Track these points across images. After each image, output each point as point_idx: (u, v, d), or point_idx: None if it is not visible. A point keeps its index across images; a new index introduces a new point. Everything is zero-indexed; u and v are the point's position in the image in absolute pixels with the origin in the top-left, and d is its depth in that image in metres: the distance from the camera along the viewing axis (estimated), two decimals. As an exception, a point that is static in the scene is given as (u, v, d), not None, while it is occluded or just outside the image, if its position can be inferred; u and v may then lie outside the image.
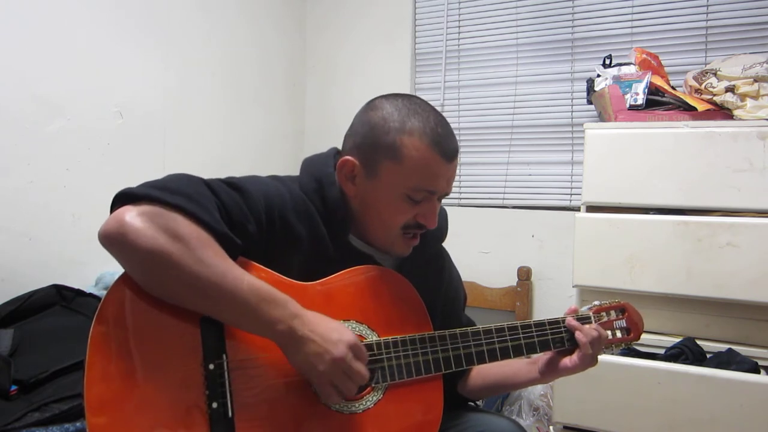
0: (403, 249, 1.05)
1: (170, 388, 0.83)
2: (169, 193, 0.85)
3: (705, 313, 1.76)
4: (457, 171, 2.77)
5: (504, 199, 2.54)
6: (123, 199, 0.85)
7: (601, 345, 1.06)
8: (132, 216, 0.82)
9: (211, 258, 0.83)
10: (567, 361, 1.05)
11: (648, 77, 1.90)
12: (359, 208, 1.03)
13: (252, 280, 0.85)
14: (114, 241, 0.82)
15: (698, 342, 1.71)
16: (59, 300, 1.62)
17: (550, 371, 1.08)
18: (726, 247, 1.66)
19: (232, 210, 0.91)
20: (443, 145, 0.97)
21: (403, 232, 1.02)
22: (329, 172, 1.03)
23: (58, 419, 1.27)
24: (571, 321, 1.07)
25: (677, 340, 1.74)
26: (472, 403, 1.22)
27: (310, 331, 0.86)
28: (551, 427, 1.87)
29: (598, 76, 2.06)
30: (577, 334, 1.04)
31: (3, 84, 1.66)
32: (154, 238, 0.81)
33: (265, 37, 2.65)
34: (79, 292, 1.66)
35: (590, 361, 1.05)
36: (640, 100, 1.87)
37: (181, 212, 0.84)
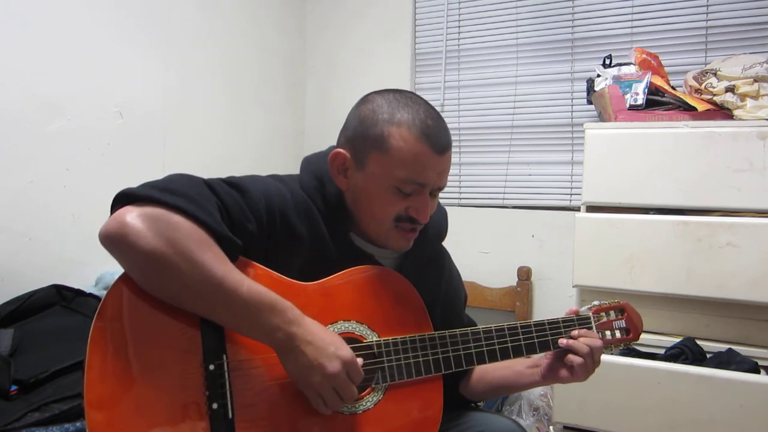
0: (400, 242, 1.03)
1: (170, 389, 0.83)
2: (170, 194, 0.85)
3: (705, 313, 1.76)
4: (458, 171, 2.76)
5: (504, 199, 2.54)
6: (123, 199, 0.85)
7: (598, 354, 1.05)
8: (133, 217, 0.82)
9: (211, 261, 0.83)
10: (565, 372, 1.05)
11: (648, 77, 1.90)
12: (352, 201, 1.02)
13: (251, 285, 0.85)
14: (114, 241, 0.82)
15: (698, 342, 1.71)
16: (59, 300, 1.61)
17: (551, 377, 1.08)
18: (726, 247, 1.66)
19: (233, 210, 0.91)
20: (432, 137, 0.96)
21: (397, 225, 1.01)
22: (329, 170, 1.03)
23: (58, 419, 1.27)
24: (562, 341, 1.05)
25: (677, 340, 1.74)
26: (473, 404, 1.22)
27: (306, 343, 0.85)
28: (551, 427, 1.87)
29: (598, 76, 2.06)
30: (570, 357, 1.04)
31: (3, 84, 1.66)
32: (155, 240, 0.81)
33: (265, 37, 2.65)
34: (79, 292, 1.66)
35: (589, 369, 1.05)
36: (640, 100, 1.87)
37: (182, 214, 0.84)
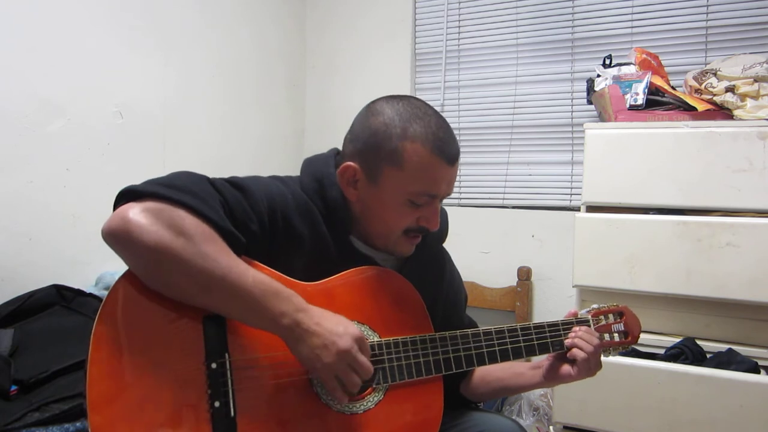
0: (406, 249, 1.06)
1: (172, 387, 0.83)
2: (173, 190, 0.85)
3: (705, 313, 1.76)
4: (458, 171, 2.76)
5: (504, 199, 2.54)
6: (127, 196, 0.85)
7: (598, 348, 1.06)
8: (136, 212, 0.82)
9: (216, 253, 0.83)
10: (569, 368, 1.06)
11: (648, 77, 1.90)
12: (362, 212, 1.03)
13: (257, 275, 0.85)
14: (118, 237, 0.82)
15: (698, 342, 1.72)
16: (59, 300, 1.62)
17: (553, 377, 1.08)
18: (726, 247, 1.66)
19: (236, 209, 0.91)
20: (445, 150, 0.98)
21: (405, 234, 1.03)
22: (330, 173, 1.03)
23: (58, 419, 1.27)
24: (567, 340, 1.07)
25: (677, 340, 1.74)
26: (473, 404, 1.22)
27: (315, 324, 0.86)
28: (551, 427, 1.87)
29: (598, 76, 2.06)
30: (574, 351, 1.05)
31: (3, 84, 1.66)
32: (158, 234, 0.81)
33: (265, 37, 2.65)
34: (79, 292, 1.66)
35: (593, 366, 1.05)
36: (640, 100, 1.87)
37: (186, 209, 0.84)
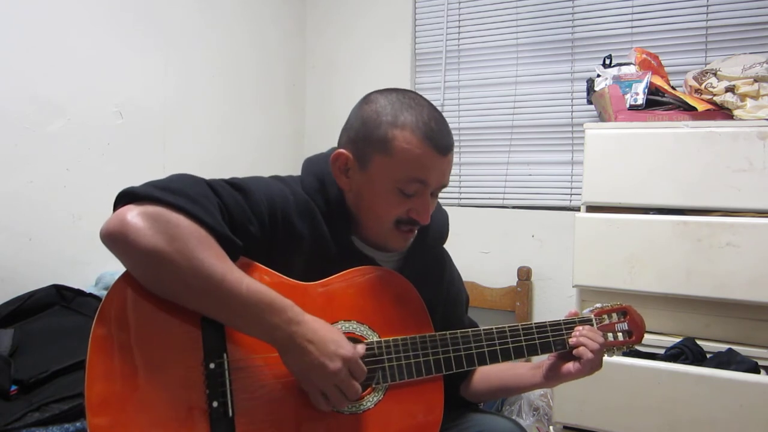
0: (398, 243, 1.04)
1: (171, 387, 0.84)
2: (172, 194, 0.85)
3: (705, 313, 1.76)
4: (458, 171, 2.76)
5: (504, 199, 2.54)
6: (126, 198, 0.85)
7: (602, 348, 1.05)
8: (134, 215, 0.82)
9: (211, 259, 0.83)
10: (570, 366, 1.05)
11: (648, 77, 1.90)
12: (353, 201, 1.03)
13: (251, 284, 0.85)
14: (115, 239, 0.82)
15: (698, 342, 1.72)
16: (59, 300, 1.61)
17: (554, 377, 1.07)
18: (726, 247, 1.66)
19: (235, 211, 0.91)
20: (436, 139, 0.97)
21: (397, 226, 1.02)
22: (330, 172, 1.03)
23: (58, 419, 1.27)
24: (572, 339, 1.05)
25: (677, 340, 1.74)
26: (473, 404, 1.22)
27: (307, 342, 0.86)
28: (551, 427, 1.87)
29: (598, 76, 2.06)
30: (580, 350, 1.04)
31: (3, 84, 1.66)
32: (155, 238, 0.81)
33: (265, 37, 2.65)
34: (79, 292, 1.66)
35: (595, 365, 1.04)
36: (640, 100, 1.87)
37: (183, 213, 0.84)
